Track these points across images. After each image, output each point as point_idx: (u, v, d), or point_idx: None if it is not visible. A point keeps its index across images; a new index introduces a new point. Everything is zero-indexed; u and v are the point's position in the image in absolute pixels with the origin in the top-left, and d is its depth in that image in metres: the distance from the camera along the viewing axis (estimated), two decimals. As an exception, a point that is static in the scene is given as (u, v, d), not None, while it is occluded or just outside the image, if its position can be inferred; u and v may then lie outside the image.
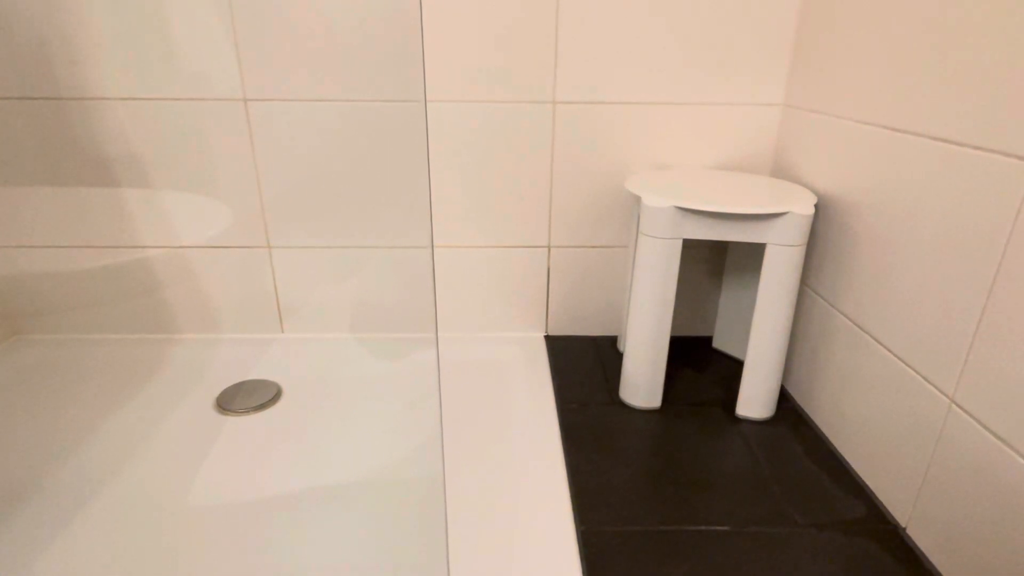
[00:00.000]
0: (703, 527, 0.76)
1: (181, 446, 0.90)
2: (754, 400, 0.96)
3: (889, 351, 0.78)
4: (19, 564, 0.70)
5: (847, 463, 0.87)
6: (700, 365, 1.13)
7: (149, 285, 1.15)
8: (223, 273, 1.15)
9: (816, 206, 0.94)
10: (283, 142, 1.06)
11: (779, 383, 0.96)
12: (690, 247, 1.16)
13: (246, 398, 1.01)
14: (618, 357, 1.15)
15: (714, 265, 1.18)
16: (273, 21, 0.98)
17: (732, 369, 1.12)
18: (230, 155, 1.06)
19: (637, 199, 1.04)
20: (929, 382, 0.71)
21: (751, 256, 1.09)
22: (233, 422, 0.96)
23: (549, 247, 1.15)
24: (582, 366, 1.12)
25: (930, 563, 0.71)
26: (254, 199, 1.10)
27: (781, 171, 1.06)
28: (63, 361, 1.12)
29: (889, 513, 0.78)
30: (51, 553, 0.71)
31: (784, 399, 1.02)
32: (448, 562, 0.69)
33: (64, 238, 1.12)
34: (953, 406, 0.67)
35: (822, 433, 0.94)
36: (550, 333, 1.23)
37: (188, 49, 1.00)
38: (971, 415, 0.65)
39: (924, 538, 0.72)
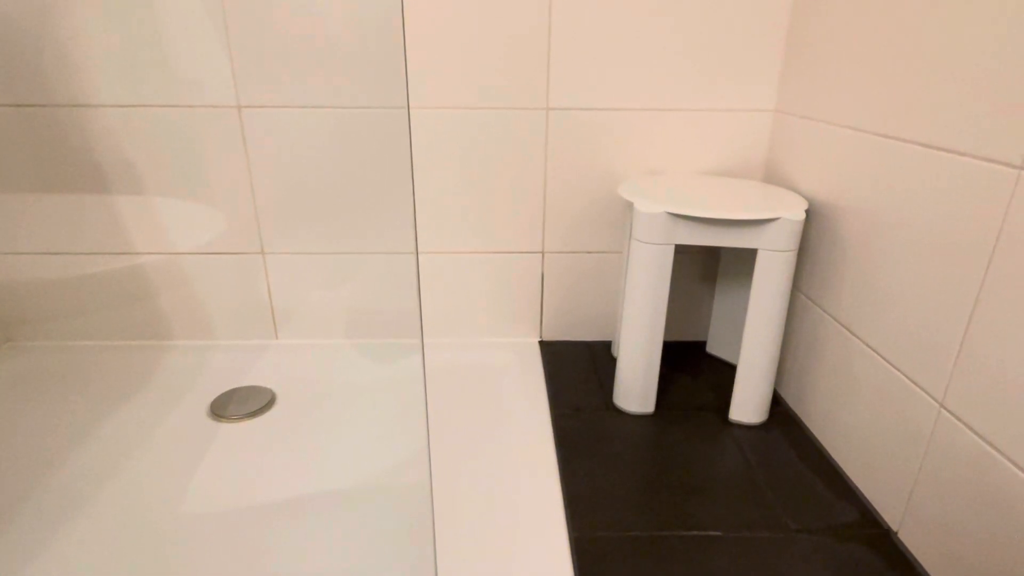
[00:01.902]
0: (696, 532, 0.76)
1: (174, 453, 0.90)
2: (747, 405, 0.97)
3: (879, 356, 0.78)
4: (11, 572, 0.70)
5: (839, 467, 0.87)
6: (693, 370, 1.13)
7: (142, 292, 1.15)
8: (217, 279, 1.15)
9: (807, 211, 0.94)
10: (277, 149, 1.06)
11: (772, 388, 0.97)
12: (683, 252, 1.17)
13: (240, 405, 1.01)
14: (612, 362, 1.16)
15: (707, 270, 1.18)
16: (267, 29, 0.99)
17: (725, 374, 1.12)
18: (223, 161, 1.06)
19: (630, 205, 1.05)
20: (919, 386, 0.71)
21: (743, 261, 1.09)
22: (226, 429, 0.96)
23: (543, 253, 1.16)
24: (576, 371, 1.12)
25: (921, 567, 0.71)
26: (248, 205, 1.10)
27: (773, 177, 1.07)
28: (56, 368, 1.12)
29: (881, 517, 0.78)
30: (43, 561, 0.71)
31: (777, 404, 1.02)
32: (436, 569, 0.69)
33: (57, 245, 1.11)
34: (942, 411, 0.68)
35: (814, 437, 0.94)
36: (544, 338, 1.24)
37: (182, 57, 1.00)
38: (960, 419, 0.65)
39: (915, 542, 0.72)
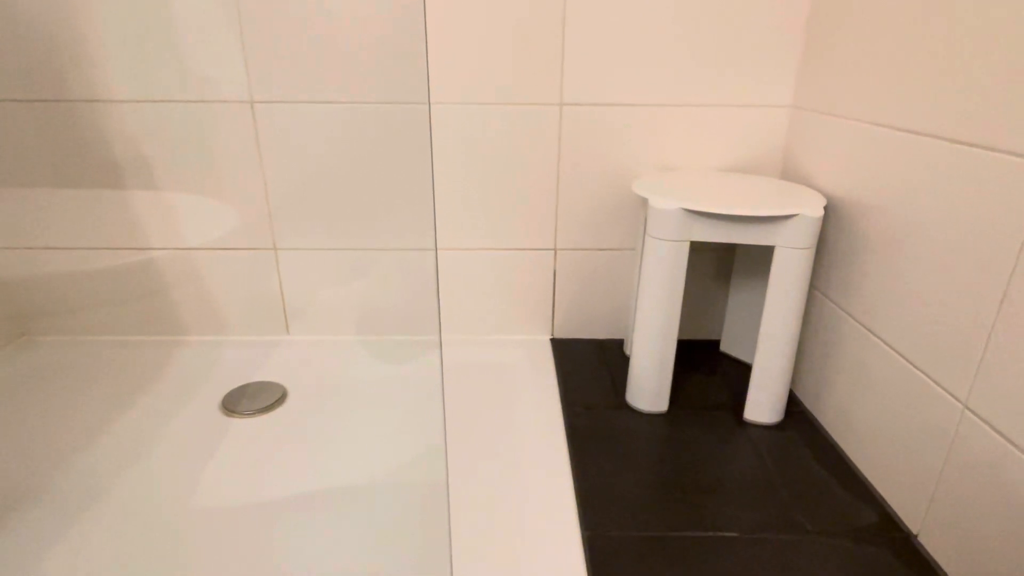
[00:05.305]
0: (710, 533, 0.75)
1: (187, 447, 0.90)
2: (762, 404, 0.95)
3: (900, 355, 0.76)
4: (26, 563, 0.70)
5: (857, 469, 0.86)
6: (707, 369, 1.12)
7: (156, 286, 1.16)
8: (229, 275, 1.15)
9: (825, 208, 0.92)
10: (289, 144, 1.06)
11: (788, 387, 0.95)
12: (697, 249, 1.15)
13: (251, 400, 1.01)
14: (625, 360, 1.15)
15: (722, 268, 1.17)
16: (280, 24, 0.98)
17: (740, 373, 1.11)
18: (237, 157, 1.07)
19: (644, 201, 1.03)
20: (941, 387, 0.69)
21: (759, 259, 1.08)
22: (238, 424, 0.96)
23: (555, 250, 1.15)
24: (588, 369, 1.11)
25: (943, 572, 0.69)
26: (260, 201, 1.10)
27: (790, 173, 1.05)
28: (70, 362, 1.13)
29: (900, 520, 0.77)
30: (57, 553, 0.71)
31: (793, 404, 1.01)
32: (452, 566, 0.68)
33: (72, 239, 1.12)
34: (966, 411, 0.66)
35: (832, 438, 0.93)
36: (556, 336, 1.23)
37: (196, 52, 1.00)
38: (985, 420, 0.63)
39: (937, 546, 0.71)
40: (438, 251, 1.15)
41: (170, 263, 1.14)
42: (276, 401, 1.01)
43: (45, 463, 0.87)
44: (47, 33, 0.98)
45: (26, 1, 0.97)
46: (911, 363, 0.74)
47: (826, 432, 0.94)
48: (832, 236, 0.92)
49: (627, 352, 1.17)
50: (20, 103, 1.03)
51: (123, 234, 1.12)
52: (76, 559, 0.71)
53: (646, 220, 0.91)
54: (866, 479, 0.84)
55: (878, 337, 0.81)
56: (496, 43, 1.01)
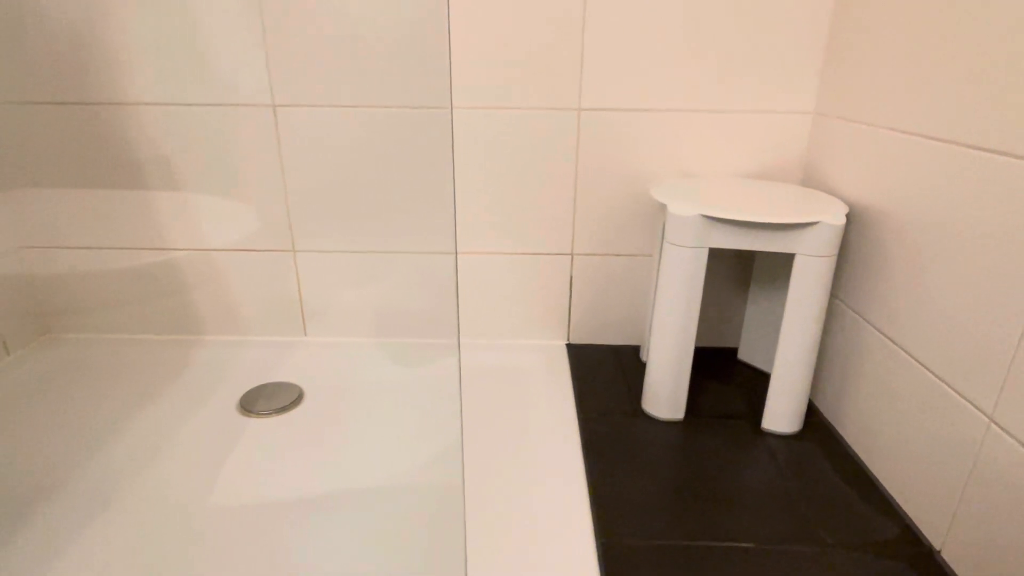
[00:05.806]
0: (727, 543, 0.74)
1: (204, 446, 0.91)
2: (781, 414, 0.94)
3: (923, 366, 0.75)
4: (43, 560, 0.71)
5: (878, 481, 0.85)
6: (725, 377, 1.11)
7: (176, 287, 1.17)
8: (248, 276, 1.16)
9: (848, 216, 0.91)
10: (310, 147, 1.07)
11: (807, 397, 0.94)
12: (716, 256, 1.15)
13: (268, 400, 1.02)
14: (641, 367, 1.14)
15: (741, 275, 1.16)
16: (303, 29, 1.00)
17: (758, 382, 1.10)
18: (258, 160, 1.08)
19: (663, 207, 1.03)
20: (966, 399, 0.68)
21: (779, 266, 1.06)
22: (255, 424, 0.96)
23: (572, 255, 1.15)
24: (604, 375, 1.11)
25: (966, 588, 0.68)
26: (280, 203, 1.11)
27: (811, 180, 1.04)
28: (92, 360, 1.14)
29: (922, 535, 0.75)
30: (74, 550, 0.72)
31: (812, 414, 0.99)
32: (466, 569, 0.68)
33: (95, 239, 1.14)
34: (992, 425, 0.65)
35: (852, 450, 0.91)
36: (572, 341, 1.22)
37: (219, 56, 1.02)
38: (1011, 435, 0.62)
39: (959, 562, 0.69)
40: (457, 255, 1.15)
41: (190, 263, 1.16)
42: (293, 402, 1.02)
43: (65, 459, 0.88)
44: (74, 38, 1.00)
45: (54, 7, 0.99)
46: (935, 374, 0.73)
47: (846, 443, 0.93)
48: (854, 244, 0.91)
49: (643, 359, 1.16)
50: (46, 105, 1.05)
51: (145, 235, 1.14)
52: (94, 555, 0.72)
53: (664, 226, 0.91)
54: (887, 492, 0.83)
55: (900, 347, 0.80)
56: (516, 48, 1.01)
